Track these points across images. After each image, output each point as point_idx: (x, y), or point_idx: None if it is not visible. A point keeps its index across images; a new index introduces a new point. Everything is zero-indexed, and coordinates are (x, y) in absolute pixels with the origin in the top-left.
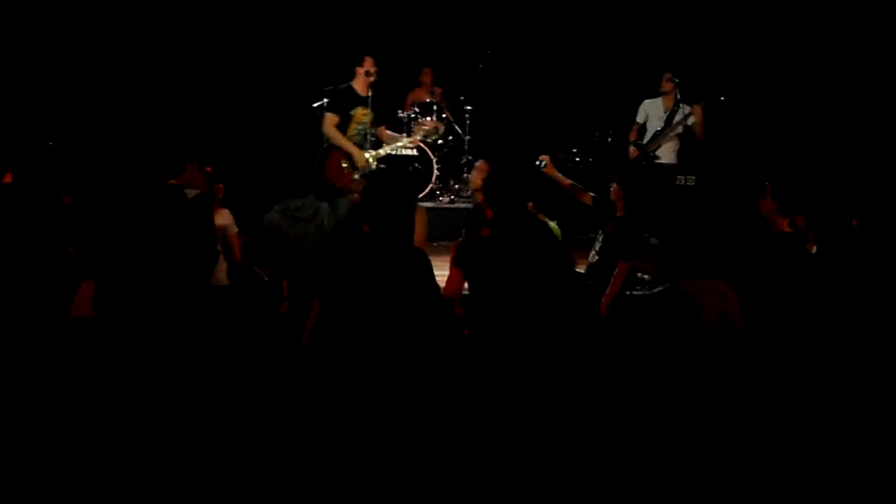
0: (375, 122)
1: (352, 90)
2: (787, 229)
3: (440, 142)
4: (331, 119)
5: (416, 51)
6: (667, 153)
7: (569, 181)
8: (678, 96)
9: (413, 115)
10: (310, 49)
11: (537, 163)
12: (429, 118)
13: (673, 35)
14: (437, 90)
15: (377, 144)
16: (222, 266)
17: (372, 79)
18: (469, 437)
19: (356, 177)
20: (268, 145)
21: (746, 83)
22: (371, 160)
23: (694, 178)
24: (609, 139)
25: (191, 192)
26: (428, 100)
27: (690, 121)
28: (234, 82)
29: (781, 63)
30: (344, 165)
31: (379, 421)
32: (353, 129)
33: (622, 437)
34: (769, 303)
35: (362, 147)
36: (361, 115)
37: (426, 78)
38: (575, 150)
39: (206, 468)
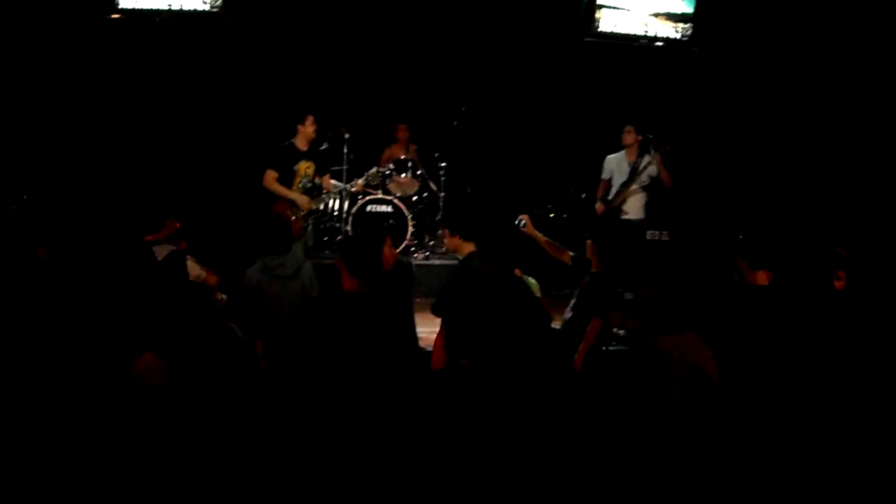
0: (319, 173)
1: (293, 146)
2: (761, 282)
3: (415, 198)
4: (270, 174)
5: (392, 108)
6: (634, 208)
7: (546, 239)
8: (641, 148)
9: (388, 172)
10: (288, 104)
11: (517, 222)
12: (404, 175)
13: (643, 87)
14: (412, 147)
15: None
16: None
17: (312, 136)
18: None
19: (301, 219)
20: (241, 201)
21: (716, 132)
22: (314, 203)
23: (667, 232)
24: (583, 195)
25: (166, 249)
26: (403, 156)
27: (653, 170)
28: (210, 137)
29: (754, 109)
30: (289, 212)
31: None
32: (298, 181)
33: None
34: (744, 357)
35: (311, 195)
36: (304, 168)
37: (402, 134)
38: (550, 206)
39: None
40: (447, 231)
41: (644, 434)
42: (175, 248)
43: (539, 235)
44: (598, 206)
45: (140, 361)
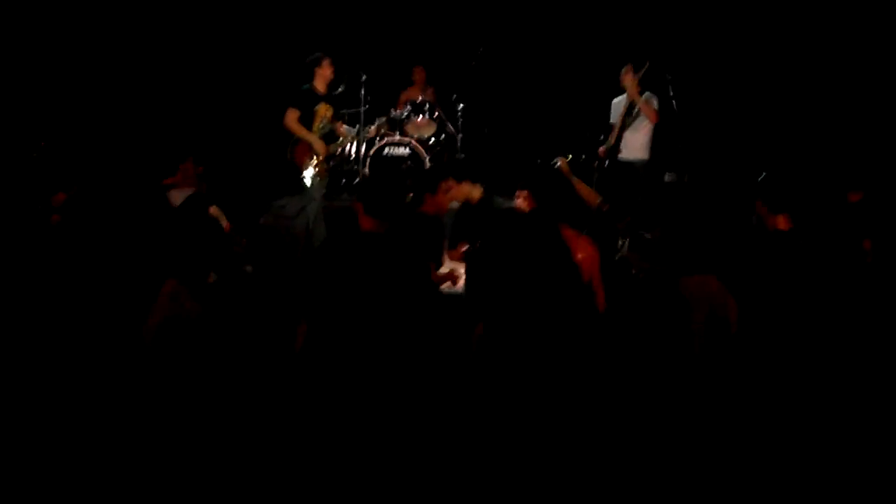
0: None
1: (313, 88)
2: (781, 227)
3: (432, 140)
4: (292, 114)
5: (409, 50)
6: (633, 148)
7: (579, 181)
8: (644, 88)
9: (406, 114)
10: (303, 50)
11: (552, 163)
12: (421, 117)
13: (662, 28)
14: (430, 89)
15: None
16: None
17: (330, 78)
18: (468, 436)
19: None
20: (257, 145)
21: (740, 70)
22: (332, 148)
23: (685, 174)
24: (602, 137)
25: (185, 192)
26: (420, 98)
27: (635, 112)
28: (224, 81)
29: (773, 56)
30: (308, 156)
31: (376, 421)
32: (318, 124)
33: (614, 435)
34: (763, 300)
35: (328, 140)
36: (324, 110)
37: (418, 76)
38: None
39: (201, 467)
40: (452, 181)
41: (662, 374)
42: (194, 190)
43: (574, 178)
44: (601, 149)
45: (165, 288)
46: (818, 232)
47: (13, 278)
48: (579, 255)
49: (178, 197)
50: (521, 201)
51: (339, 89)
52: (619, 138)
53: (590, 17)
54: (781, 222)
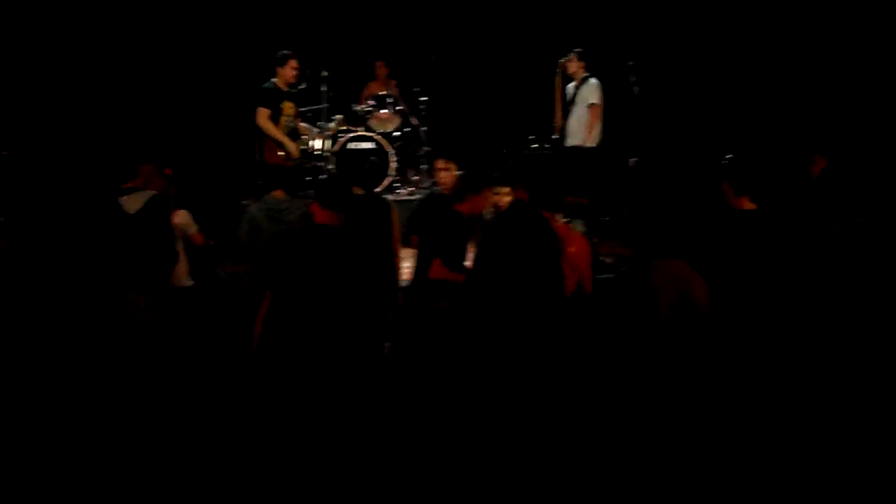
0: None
1: (276, 86)
2: (746, 207)
3: (397, 134)
4: (264, 112)
5: (369, 45)
6: (579, 134)
7: None
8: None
9: (369, 109)
10: (262, 47)
11: None
12: (385, 111)
13: (624, 12)
14: (392, 82)
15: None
16: (184, 267)
17: (291, 80)
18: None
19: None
20: (218, 144)
21: (701, 55)
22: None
23: (638, 158)
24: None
25: (146, 194)
26: (383, 92)
27: (590, 96)
28: (187, 80)
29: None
30: (280, 154)
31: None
32: (284, 121)
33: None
34: (731, 282)
35: (292, 138)
36: (288, 107)
37: (381, 70)
38: (532, 137)
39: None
40: (449, 163)
41: (634, 361)
42: (156, 193)
43: None
44: (555, 124)
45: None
46: (783, 211)
47: None
48: (571, 248)
49: (137, 200)
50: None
51: (301, 86)
52: (562, 127)
53: (550, 4)
54: (746, 203)
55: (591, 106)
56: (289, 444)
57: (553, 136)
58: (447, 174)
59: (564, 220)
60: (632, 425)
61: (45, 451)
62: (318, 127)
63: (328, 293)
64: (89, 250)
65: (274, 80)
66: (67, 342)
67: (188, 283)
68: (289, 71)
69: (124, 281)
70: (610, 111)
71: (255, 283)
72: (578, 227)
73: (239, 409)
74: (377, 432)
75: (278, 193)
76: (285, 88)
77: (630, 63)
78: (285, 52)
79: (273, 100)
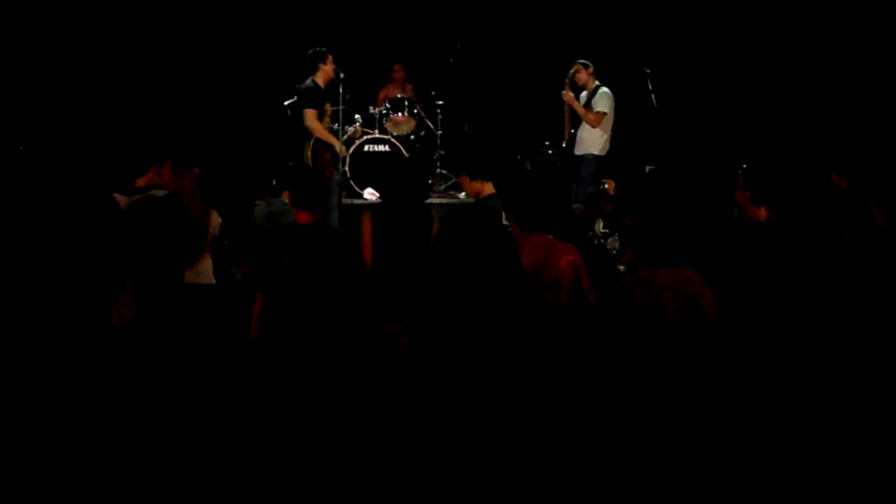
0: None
1: (318, 86)
2: (762, 218)
3: (412, 137)
4: (312, 114)
5: (387, 47)
6: (586, 143)
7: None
8: (597, 83)
9: (385, 112)
10: (280, 47)
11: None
12: (400, 114)
13: (642, 22)
14: (408, 86)
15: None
16: (209, 265)
17: (332, 75)
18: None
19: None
20: (242, 145)
21: (719, 63)
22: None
23: (654, 166)
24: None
25: (158, 193)
26: (399, 95)
27: (603, 105)
28: (205, 82)
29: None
30: (328, 154)
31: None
32: (326, 121)
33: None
34: (743, 292)
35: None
36: (329, 107)
37: (397, 74)
38: (547, 143)
39: (189, 467)
40: (466, 176)
41: (638, 367)
42: (167, 192)
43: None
44: (564, 143)
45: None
46: (800, 221)
47: None
48: (554, 266)
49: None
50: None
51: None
52: (572, 135)
53: (566, 10)
54: (762, 212)
55: (597, 113)
56: (284, 444)
57: (563, 144)
58: (471, 185)
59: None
60: (629, 431)
61: (40, 450)
62: (333, 132)
63: (309, 291)
64: (86, 248)
65: (313, 78)
66: (58, 339)
67: (212, 280)
68: (328, 67)
69: (124, 279)
70: (626, 119)
71: (248, 284)
72: (611, 242)
73: (234, 407)
74: (370, 431)
75: (286, 195)
76: (323, 86)
77: (647, 70)
78: (322, 48)
79: (318, 99)
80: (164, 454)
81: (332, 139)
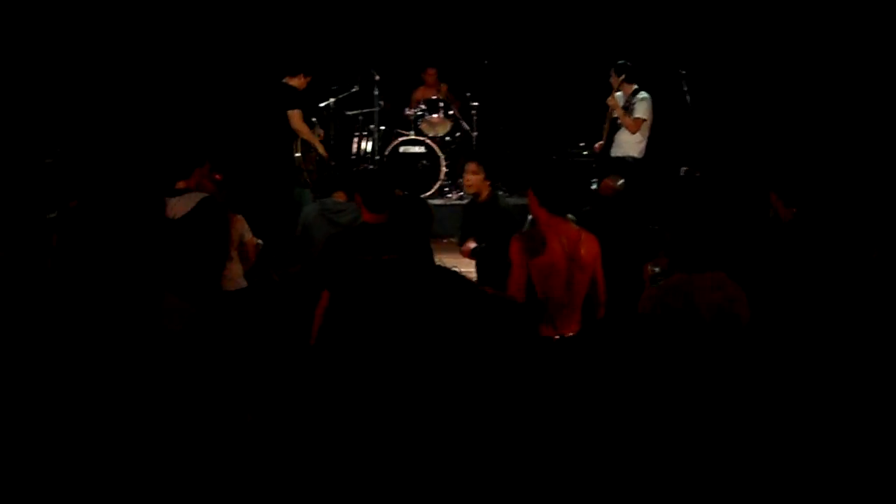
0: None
1: (298, 88)
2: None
3: (447, 138)
4: (296, 114)
5: (422, 48)
6: (624, 146)
7: None
8: (636, 87)
9: (420, 113)
10: (315, 51)
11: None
12: (436, 115)
13: (677, 23)
14: (443, 86)
15: None
16: (239, 269)
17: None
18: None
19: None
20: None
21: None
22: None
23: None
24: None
25: (197, 196)
26: (434, 97)
27: (641, 110)
28: (238, 84)
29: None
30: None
31: (391, 416)
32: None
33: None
34: (774, 295)
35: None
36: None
37: (430, 78)
38: (583, 144)
39: (215, 470)
40: (480, 168)
41: (669, 372)
42: (206, 195)
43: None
44: (597, 145)
45: (163, 303)
46: (831, 224)
47: (10, 290)
48: (582, 251)
49: (187, 202)
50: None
51: (354, 89)
52: (610, 136)
53: (604, 12)
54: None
55: (636, 119)
56: (346, 443)
57: (597, 145)
58: (475, 177)
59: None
60: (658, 435)
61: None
62: (370, 133)
63: (384, 291)
64: (127, 252)
65: (290, 82)
66: (96, 342)
67: (244, 284)
68: (302, 79)
69: (165, 284)
70: (661, 121)
71: (311, 283)
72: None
73: (297, 406)
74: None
75: (338, 195)
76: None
77: (682, 72)
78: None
79: (300, 101)
80: (223, 460)
81: (319, 144)
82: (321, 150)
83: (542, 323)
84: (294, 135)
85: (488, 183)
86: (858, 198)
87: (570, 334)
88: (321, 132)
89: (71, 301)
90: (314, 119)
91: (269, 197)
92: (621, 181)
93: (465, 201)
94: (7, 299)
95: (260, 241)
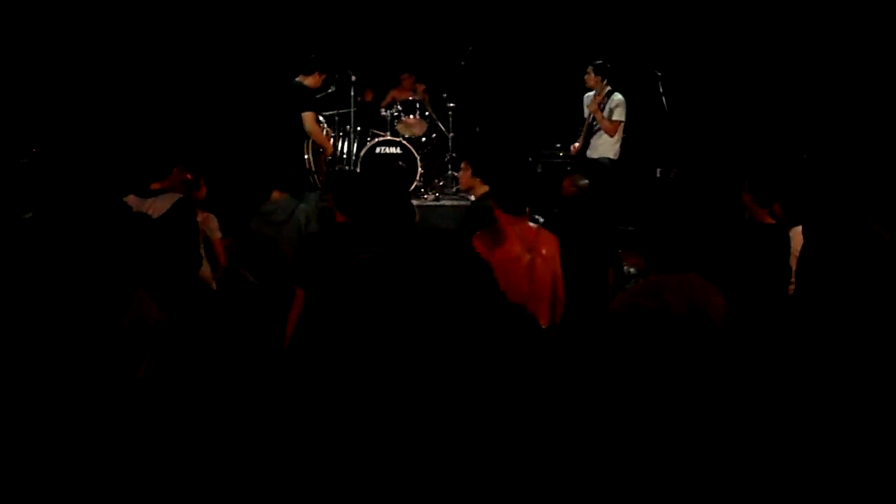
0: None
1: (311, 88)
2: (768, 220)
3: (424, 139)
4: (311, 116)
5: (397, 48)
6: (600, 148)
7: None
8: (612, 87)
9: (396, 113)
10: (289, 48)
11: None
12: (412, 116)
13: (652, 25)
14: (420, 87)
15: None
16: (207, 270)
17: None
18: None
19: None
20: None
21: (727, 66)
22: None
23: (674, 170)
24: None
25: (173, 197)
26: (411, 97)
27: (616, 112)
28: (215, 82)
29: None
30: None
31: (370, 416)
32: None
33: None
34: (749, 295)
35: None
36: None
37: (406, 83)
38: (559, 145)
39: (194, 470)
40: (468, 165)
41: (637, 379)
42: (181, 196)
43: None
44: (573, 146)
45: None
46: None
47: None
48: (542, 249)
49: (163, 203)
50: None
51: (330, 89)
52: (586, 138)
53: (579, 13)
54: (768, 216)
55: (614, 122)
56: (320, 445)
57: (573, 146)
58: (463, 174)
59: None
60: (633, 435)
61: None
62: (346, 133)
63: (360, 290)
64: (102, 252)
65: (304, 81)
66: (72, 340)
67: (212, 286)
68: (317, 77)
69: (140, 283)
70: (637, 122)
71: (284, 284)
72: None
73: (267, 407)
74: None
75: (274, 194)
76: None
77: (658, 74)
78: (316, 57)
79: (315, 101)
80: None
81: (327, 144)
82: (329, 150)
83: None
84: (305, 136)
85: (479, 180)
86: (836, 196)
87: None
88: (330, 131)
89: (42, 301)
90: (321, 119)
91: (256, 197)
92: (584, 181)
93: (439, 202)
94: None
95: (231, 240)
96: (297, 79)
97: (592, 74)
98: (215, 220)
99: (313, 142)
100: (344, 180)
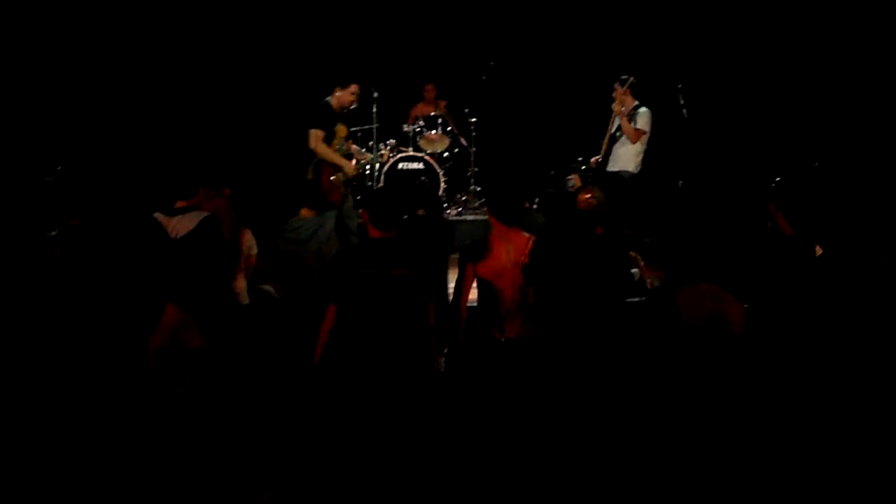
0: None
1: (331, 107)
2: (791, 232)
3: (446, 154)
4: (318, 135)
5: (419, 63)
6: (619, 161)
7: None
8: (638, 100)
9: (418, 129)
10: (314, 66)
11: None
12: (434, 132)
13: (675, 37)
14: (441, 103)
15: (348, 157)
16: (242, 285)
17: (354, 102)
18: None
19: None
20: (274, 164)
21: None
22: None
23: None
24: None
25: (200, 215)
26: (433, 113)
27: (615, 125)
28: (240, 101)
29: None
30: (332, 178)
31: (394, 425)
32: (336, 143)
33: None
34: (770, 306)
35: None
36: (342, 130)
37: (429, 94)
38: (581, 159)
39: (217, 480)
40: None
41: (656, 389)
42: (208, 214)
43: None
44: (593, 159)
45: (166, 316)
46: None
47: (12, 306)
48: (522, 258)
49: (190, 221)
50: None
51: (352, 106)
52: (608, 150)
53: (601, 27)
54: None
55: (638, 130)
56: (347, 457)
57: (598, 158)
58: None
59: None
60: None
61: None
62: (369, 149)
63: (390, 305)
64: (129, 269)
65: (329, 99)
66: (96, 356)
67: (245, 300)
68: (348, 95)
69: (170, 298)
70: (658, 134)
71: (316, 298)
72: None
73: (302, 422)
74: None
75: (303, 211)
76: (338, 110)
77: (679, 86)
78: (349, 74)
79: (327, 121)
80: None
81: (339, 160)
82: (348, 168)
83: (490, 325)
84: (311, 155)
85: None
86: (861, 206)
87: (513, 336)
88: (352, 147)
89: (71, 317)
90: (346, 136)
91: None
92: (599, 194)
93: (462, 217)
94: (8, 316)
95: (263, 266)
96: (328, 97)
97: (619, 88)
98: (252, 235)
99: (323, 163)
100: (379, 196)
